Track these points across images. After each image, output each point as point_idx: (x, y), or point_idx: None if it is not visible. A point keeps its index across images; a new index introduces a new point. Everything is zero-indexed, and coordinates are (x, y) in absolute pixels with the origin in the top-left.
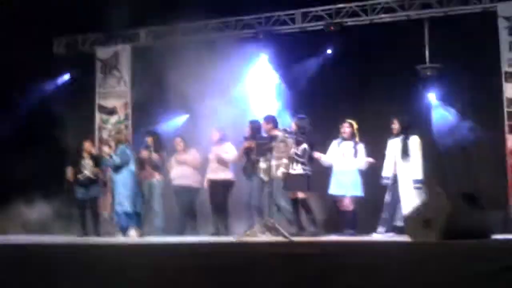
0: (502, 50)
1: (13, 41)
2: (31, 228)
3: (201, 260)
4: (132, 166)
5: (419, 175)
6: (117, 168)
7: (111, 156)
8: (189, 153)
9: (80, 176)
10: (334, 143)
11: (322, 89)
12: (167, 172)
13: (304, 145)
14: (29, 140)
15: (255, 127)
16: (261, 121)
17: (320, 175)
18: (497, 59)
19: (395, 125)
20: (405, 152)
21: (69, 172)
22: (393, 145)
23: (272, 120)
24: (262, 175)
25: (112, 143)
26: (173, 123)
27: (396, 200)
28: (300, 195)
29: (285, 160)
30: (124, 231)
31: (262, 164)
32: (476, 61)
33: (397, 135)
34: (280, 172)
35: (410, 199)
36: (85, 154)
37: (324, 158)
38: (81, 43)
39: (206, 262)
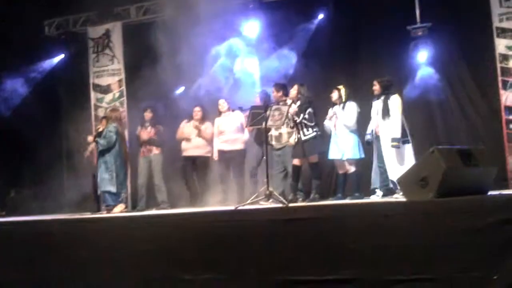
0: (493, 6)
1: (5, 25)
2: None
3: (201, 229)
4: (117, 147)
5: (397, 133)
6: (103, 150)
7: (97, 141)
8: (205, 124)
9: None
10: (330, 110)
11: (315, 55)
12: (179, 140)
13: (310, 109)
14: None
15: (264, 96)
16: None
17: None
18: (488, 14)
19: (376, 87)
20: (384, 112)
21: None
22: (376, 106)
23: (282, 88)
24: (273, 143)
25: (104, 121)
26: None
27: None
28: (313, 159)
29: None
30: (110, 209)
31: (274, 132)
32: (466, 18)
33: (378, 96)
34: (293, 139)
35: (392, 159)
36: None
37: (326, 124)
38: (72, 23)
39: (206, 231)
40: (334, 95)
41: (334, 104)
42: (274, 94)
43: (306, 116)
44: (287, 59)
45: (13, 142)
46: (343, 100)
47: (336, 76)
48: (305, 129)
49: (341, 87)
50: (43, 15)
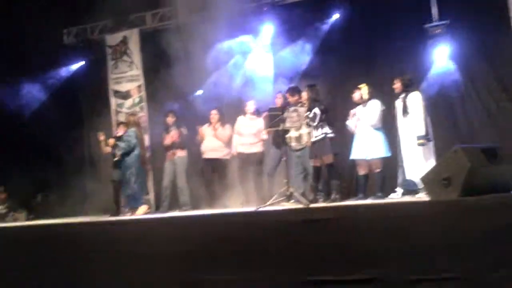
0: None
1: (25, 35)
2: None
3: (223, 231)
4: (136, 151)
5: (422, 131)
6: (123, 154)
7: (117, 145)
8: (223, 126)
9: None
10: (352, 111)
11: (331, 54)
12: (199, 143)
13: (314, 110)
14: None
15: (284, 98)
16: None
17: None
18: (506, 8)
19: (397, 84)
20: (404, 109)
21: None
22: (397, 105)
23: (296, 91)
24: (293, 144)
25: (122, 127)
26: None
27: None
28: (326, 160)
29: (306, 129)
30: (134, 210)
31: (293, 133)
32: (484, 13)
33: (399, 94)
34: (310, 140)
35: (412, 157)
36: (110, 141)
37: (348, 124)
38: (90, 32)
39: (228, 232)
40: (356, 95)
41: (357, 104)
42: (290, 99)
43: (311, 115)
44: (301, 57)
45: (39, 148)
46: (366, 98)
47: (354, 75)
48: (314, 130)
49: (362, 86)
50: (62, 24)
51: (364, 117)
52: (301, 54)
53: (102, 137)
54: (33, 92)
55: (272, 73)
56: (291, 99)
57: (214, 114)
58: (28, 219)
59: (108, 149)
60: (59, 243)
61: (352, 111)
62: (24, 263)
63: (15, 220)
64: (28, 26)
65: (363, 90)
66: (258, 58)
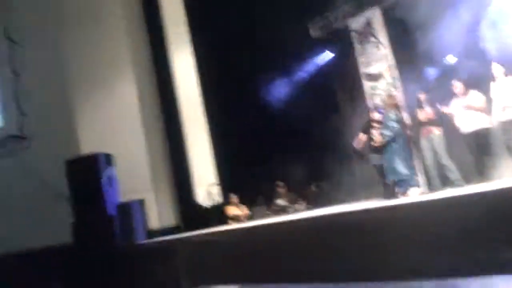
0: None
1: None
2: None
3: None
4: (399, 133)
5: None
6: (387, 138)
7: (381, 133)
8: (471, 95)
9: (372, 143)
10: None
11: None
12: (451, 119)
13: None
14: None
15: None
16: None
17: None
18: None
19: None
20: None
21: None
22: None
23: None
24: None
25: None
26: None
27: None
28: None
29: None
30: (404, 194)
31: None
32: None
33: None
34: None
35: None
36: (374, 124)
37: None
38: (333, 20)
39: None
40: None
41: None
42: None
43: None
44: None
45: (305, 139)
46: None
47: None
48: None
49: None
50: (306, 19)
51: None
52: None
53: (363, 138)
54: (288, 87)
55: None
56: None
57: (457, 85)
58: (307, 209)
59: (362, 146)
60: (342, 231)
61: None
62: (308, 252)
63: (296, 211)
64: (275, 24)
65: None
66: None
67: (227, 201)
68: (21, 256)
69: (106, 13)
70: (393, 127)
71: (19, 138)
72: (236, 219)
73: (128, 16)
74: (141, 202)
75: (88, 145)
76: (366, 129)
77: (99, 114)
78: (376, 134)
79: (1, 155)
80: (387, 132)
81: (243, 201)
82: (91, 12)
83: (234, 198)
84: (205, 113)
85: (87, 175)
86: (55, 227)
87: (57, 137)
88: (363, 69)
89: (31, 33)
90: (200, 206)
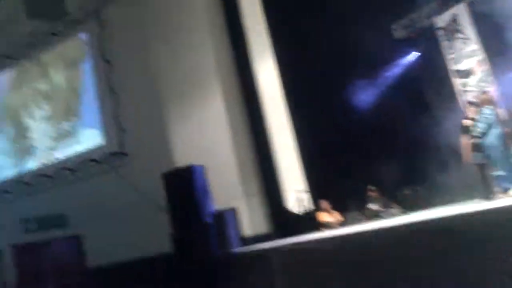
0: None
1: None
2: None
3: None
4: (497, 129)
5: None
6: (484, 135)
7: (473, 130)
8: None
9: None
10: None
11: None
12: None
13: None
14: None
15: None
16: None
17: None
18: None
19: None
20: None
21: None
22: None
23: None
24: None
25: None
26: None
27: None
28: None
29: None
30: (507, 192)
31: None
32: None
33: None
34: None
35: None
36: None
37: None
38: (417, 20)
39: None
40: None
41: None
42: None
43: None
44: None
45: (397, 142)
46: None
47: None
48: None
49: None
50: (389, 20)
51: None
52: None
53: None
54: (375, 89)
55: None
56: None
57: None
58: (402, 214)
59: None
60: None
61: None
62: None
63: (391, 216)
64: (359, 28)
65: None
66: None
67: (318, 208)
68: (123, 267)
69: (191, 30)
70: (487, 122)
71: (121, 154)
72: (328, 225)
73: (212, 31)
74: (234, 211)
75: (181, 158)
76: (465, 131)
77: (190, 127)
78: (474, 132)
79: (103, 171)
80: (480, 126)
81: (334, 207)
82: (177, 31)
83: (325, 204)
84: (291, 121)
85: (183, 186)
86: (155, 238)
87: (153, 151)
88: (452, 66)
89: (125, 54)
90: (291, 213)
